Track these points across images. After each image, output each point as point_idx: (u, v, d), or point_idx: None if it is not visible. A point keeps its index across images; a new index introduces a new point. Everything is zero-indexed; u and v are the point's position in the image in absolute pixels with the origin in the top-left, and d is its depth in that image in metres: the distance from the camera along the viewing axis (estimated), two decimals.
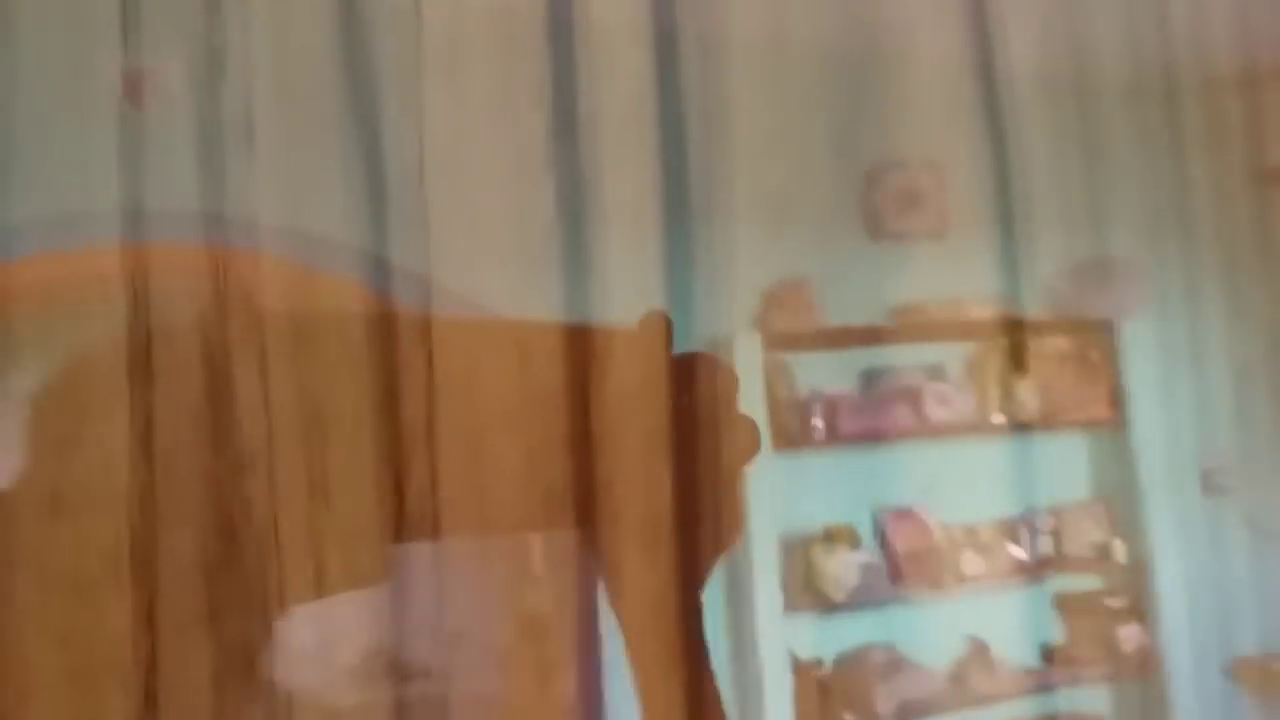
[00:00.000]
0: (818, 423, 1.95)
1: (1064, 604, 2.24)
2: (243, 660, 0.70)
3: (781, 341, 1.96)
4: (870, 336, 2.06)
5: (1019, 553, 2.16)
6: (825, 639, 1.97)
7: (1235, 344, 2.26)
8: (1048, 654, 2.21)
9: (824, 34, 2.01)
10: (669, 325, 0.87)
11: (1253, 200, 2.23)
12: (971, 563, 2.08)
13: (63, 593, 0.62)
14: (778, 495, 1.89)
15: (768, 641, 1.88)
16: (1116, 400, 2.26)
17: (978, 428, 2.14)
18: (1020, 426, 2.18)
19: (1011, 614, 2.18)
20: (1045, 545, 2.20)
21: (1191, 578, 2.19)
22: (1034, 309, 2.24)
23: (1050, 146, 2.20)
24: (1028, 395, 2.18)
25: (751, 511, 1.85)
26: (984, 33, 2.05)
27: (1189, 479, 2.24)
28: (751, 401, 1.88)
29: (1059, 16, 2.10)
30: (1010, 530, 2.17)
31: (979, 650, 2.10)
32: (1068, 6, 2.09)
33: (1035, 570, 2.17)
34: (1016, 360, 2.22)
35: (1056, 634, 2.24)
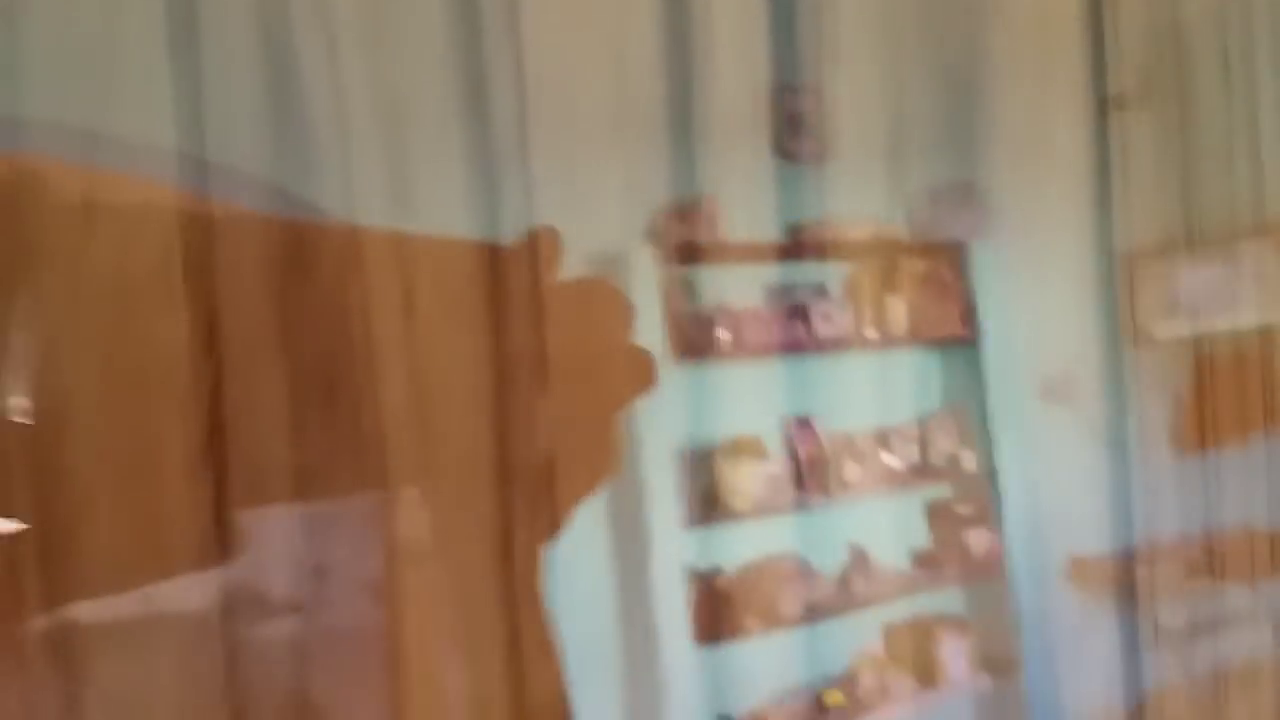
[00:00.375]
0: (723, 334, 1.93)
1: (928, 511, 2.36)
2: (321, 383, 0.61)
3: (684, 255, 1.93)
4: (770, 253, 2.06)
5: (893, 461, 2.24)
6: (730, 547, 1.99)
7: (1075, 262, 2.43)
8: (917, 558, 2.33)
9: None
10: (557, 241, 0.83)
11: (1094, 126, 2.39)
12: (853, 471, 2.14)
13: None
14: (680, 407, 1.87)
15: (663, 554, 1.87)
16: (968, 317, 2.37)
17: (855, 342, 2.19)
18: (889, 341, 2.26)
19: (888, 520, 2.27)
20: (913, 454, 2.30)
21: (1032, 483, 2.34)
22: (901, 232, 2.32)
23: (919, 75, 2.27)
24: (897, 313, 2.26)
25: (650, 425, 1.83)
26: None
27: (1030, 390, 2.38)
28: (648, 313, 1.86)
29: None
30: (884, 440, 2.25)
31: (860, 556, 2.18)
32: None
33: (906, 478, 2.26)
34: (888, 280, 2.30)
35: (923, 539, 2.35)
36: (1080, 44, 2.39)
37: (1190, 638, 2.36)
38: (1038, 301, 2.39)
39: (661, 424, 1.85)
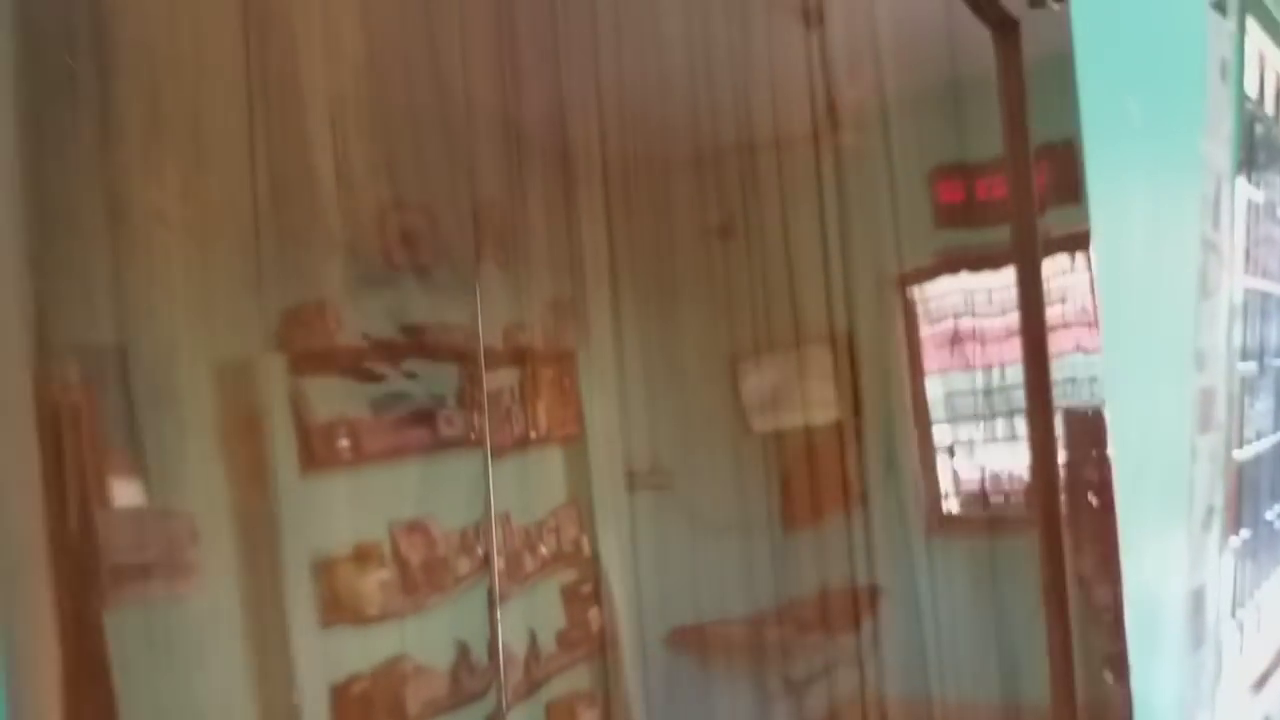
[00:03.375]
0: (343, 443, 1.90)
1: (563, 594, 2.45)
2: None
3: (304, 364, 1.90)
4: (385, 356, 2.08)
5: (544, 551, 2.32)
6: (361, 654, 1.94)
7: (663, 364, 2.67)
8: (559, 639, 2.40)
9: None
10: None
11: (690, 251, 2.66)
12: (473, 563, 2.18)
13: None
14: (309, 516, 1.83)
15: (305, 661, 1.81)
16: (577, 418, 2.53)
17: (489, 441, 2.25)
18: (522, 442, 2.35)
19: (542, 606, 2.33)
20: (551, 544, 2.39)
21: (632, 563, 2.52)
22: (529, 339, 2.44)
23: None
24: (529, 414, 2.37)
25: (285, 534, 1.79)
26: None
27: (620, 481, 2.58)
28: (281, 426, 1.81)
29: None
30: (536, 532, 2.32)
31: (509, 646, 2.21)
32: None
33: (549, 566, 2.34)
34: (522, 384, 2.39)
35: (561, 622, 2.43)
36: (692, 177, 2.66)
37: (808, 685, 2.61)
38: (641, 400, 2.59)
39: (295, 535, 1.81)
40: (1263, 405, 2.05)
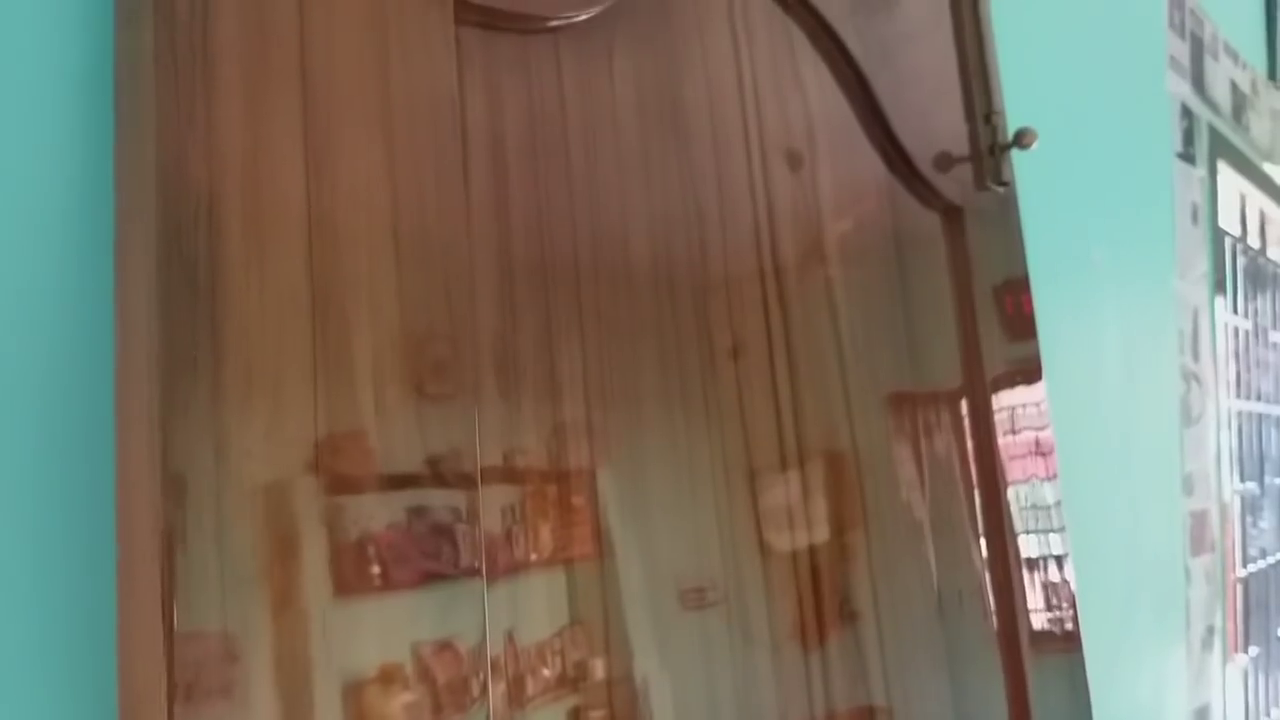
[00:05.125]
0: (375, 568, 1.99)
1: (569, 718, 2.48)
2: None
3: (340, 486, 2.00)
4: (413, 481, 2.17)
5: (545, 673, 2.37)
6: None
7: (695, 484, 2.74)
8: None
9: None
10: None
11: (704, 374, 2.77)
12: (504, 688, 2.23)
13: None
14: (341, 640, 1.89)
15: None
16: (597, 536, 2.59)
17: (512, 564, 2.32)
18: (536, 563, 2.42)
19: None
20: (557, 666, 2.43)
21: (679, 683, 2.55)
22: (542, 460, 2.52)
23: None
24: (544, 535, 2.44)
25: (315, 657, 1.85)
26: None
27: (668, 598, 2.63)
28: (314, 549, 1.90)
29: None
30: (538, 654, 2.37)
31: None
32: None
33: (552, 690, 2.38)
34: (534, 506, 2.47)
35: None
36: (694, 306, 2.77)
37: None
38: (671, 520, 2.66)
39: (327, 658, 1.87)
40: (1266, 523, 2.11)
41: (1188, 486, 1.60)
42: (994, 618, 0.95)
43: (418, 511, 0.80)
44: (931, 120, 0.93)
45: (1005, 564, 0.94)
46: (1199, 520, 1.66)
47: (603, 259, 0.83)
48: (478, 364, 0.78)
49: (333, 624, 0.64)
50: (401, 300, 0.49)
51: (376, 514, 0.70)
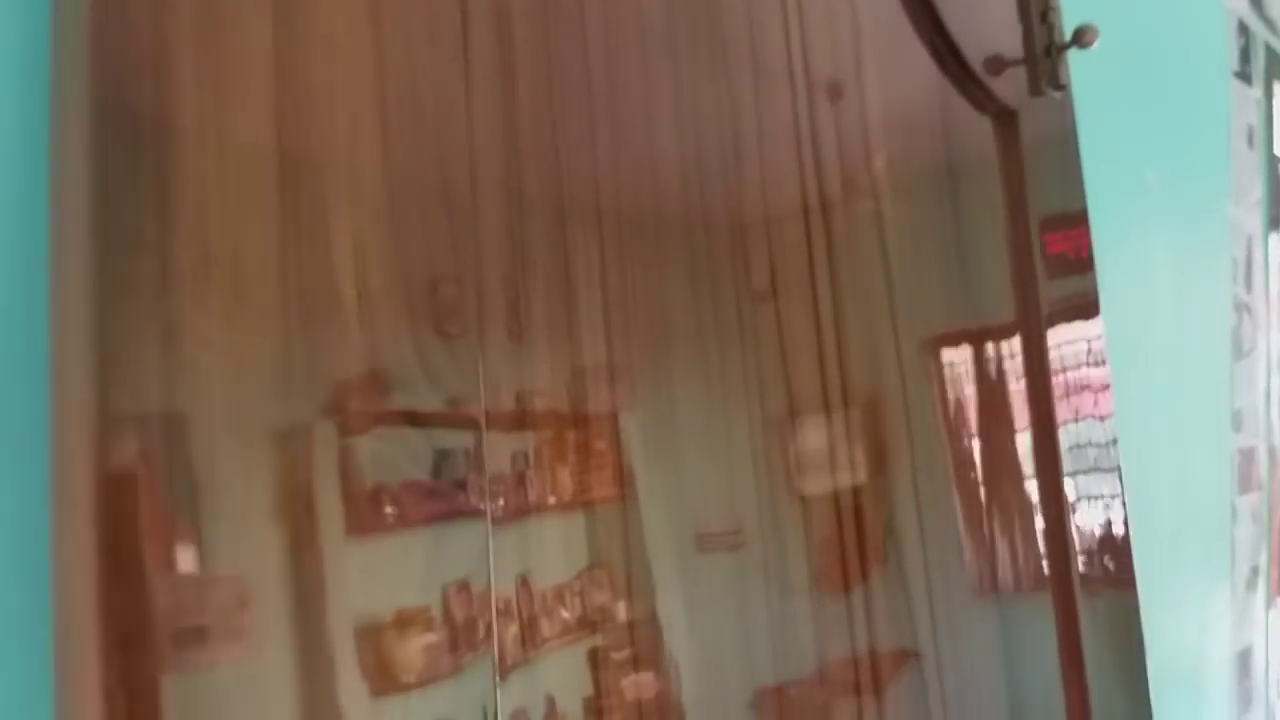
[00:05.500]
0: (390, 509, 1.96)
1: (591, 660, 2.47)
2: None
3: (356, 427, 1.96)
4: (437, 421, 2.13)
5: (564, 616, 2.34)
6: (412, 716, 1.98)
7: (724, 428, 2.70)
8: (588, 707, 2.42)
9: None
10: None
11: (738, 314, 2.70)
12: (522, 630, 2.21)
13: None
14: (356, 582, 1.87)
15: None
16: (620, 479, 2.56)
17: (525, 507, 2.29)
18: (558, 506, 2.39)
19: (556, 673, 2.35)
20: (576, 608, 2.41)
21: (702, 625, 2.53)
22: (563, 404, 2.48)
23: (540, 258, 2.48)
24: (564, 479, 2.41)
25: (330, 599, 1.83)
26: None
27: (690, 543, 2.60)
28: (328, 490, 1.87)
29: None
30: (558, 597, 2.35)
31: (551, 708, 2.23)
32: None
33: (570, 632, 2.36)
34: (555, 450, 2.44)
35: (589, 688, 2.45)
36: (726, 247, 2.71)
37: None
38: (693, 464, 2.61)
39: (341, 600, 1.86)
40: None
41: (1237, 422, 1.53)
42: (1045, 560, 0.90)
43: (407, 418, 0.73)
44: (983, 19, 0.86)
45: (1058, 504, 0.88)
46: (1247, 458, 1.59)
47: (624, 169, 0.76)
48: (481, 287, 0.71)
49: (299, 555, 0.58)
50: (388, 175, 0.42)
51: (358, 418, 0.64)
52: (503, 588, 2.41)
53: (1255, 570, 1.64)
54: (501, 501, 2.40)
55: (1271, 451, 1.71)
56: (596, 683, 2.61)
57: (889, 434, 1.11)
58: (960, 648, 1.21)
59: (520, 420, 2.59)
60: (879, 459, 1.19)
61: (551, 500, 2.63)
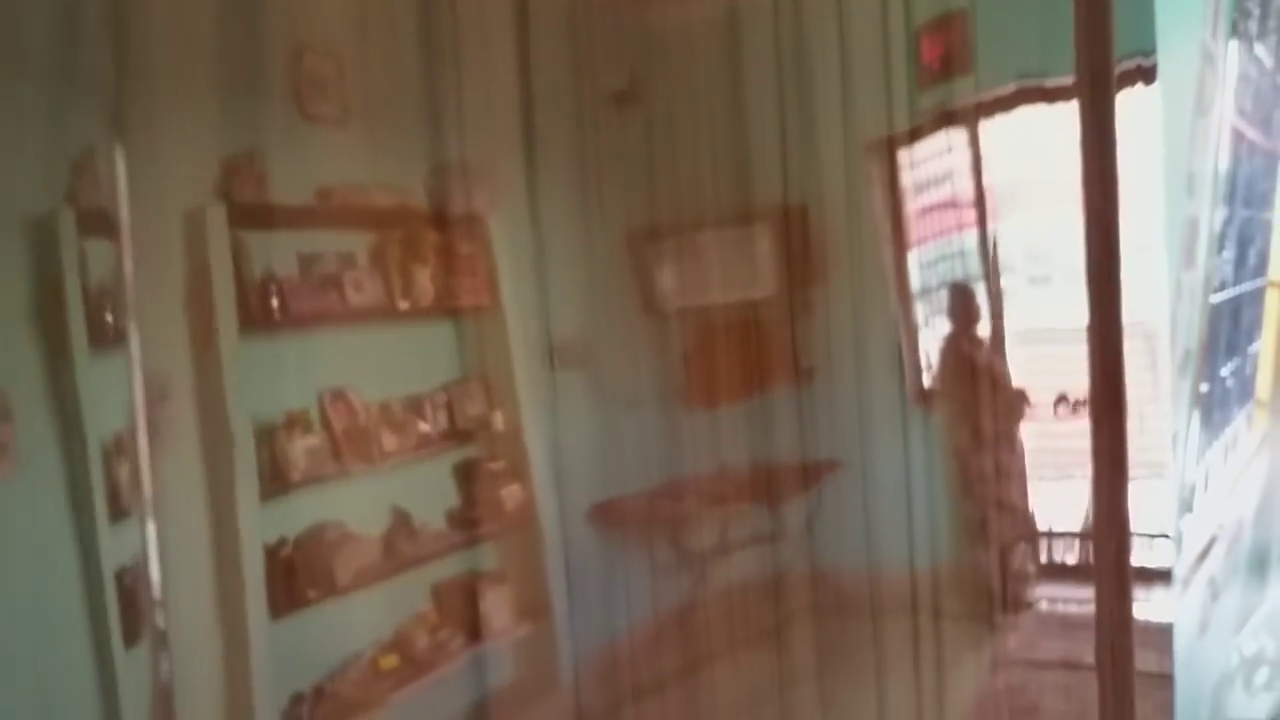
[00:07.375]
0: (275, 304, 1.73)
1: (459, 472, 2.33)
2: None
3: (241, 218, 1.71)
4: (307, 218, 1.89)
5: (425, 427, 2.19)
6: (287, 520, 1.83)
7: (584, 236, 2.51)
8: (452, 518, 2.28)
9: None
10: None
11: (599, 115, 2.47)
12: (390, 439, 2.06)
13: None
14: (249, 382, 1.69)
15: (248, 529, 1.70)
16: (489, 287, 2.39)
17: (386, 313, 2.11)
18: (418, 311, 2.21)
19: (422, 484, 2.22)
20: (443, 420, 2.26)
21: (554, 440, 2.42)
22: (421, 202, 2.26)
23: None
24: (423, 282, 2.21)
25: (230, 400, 1.68)
26: None
27: (546, 356, 2.47)
28: (222, 282, 1.63)
29: None
30: (417, 406, 2.19)
31: (403, 520, 2.09)
32: None
33: (439, 443, 2.22)
34: (413, 250, 2.23)
35: (454, 499, 2.32)
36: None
37: (716, 557, 2.55)
38: (551, 274, 2.45)
39: (237, 396, 1.68)
40: (1227, 254, 1.96)
41: (1190, 185, 1.40)
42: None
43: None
44: None
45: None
46: (1191, 229, 1.46)
47: None
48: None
49: None
50: None
51: None
52: (378, 394, 2.07)
53: (1187, 353, 1.55)
54: (374, 304, 2.02)
55: (1210, 228, 1.59)
56: (465, 494, 2.32)
57: (811, 246, 1.00)
58: (873, 460, 1.15)
59: (390, 218, 2.18)
60: (790, 273, 1.09)
61: (424, 306, 2.27)
